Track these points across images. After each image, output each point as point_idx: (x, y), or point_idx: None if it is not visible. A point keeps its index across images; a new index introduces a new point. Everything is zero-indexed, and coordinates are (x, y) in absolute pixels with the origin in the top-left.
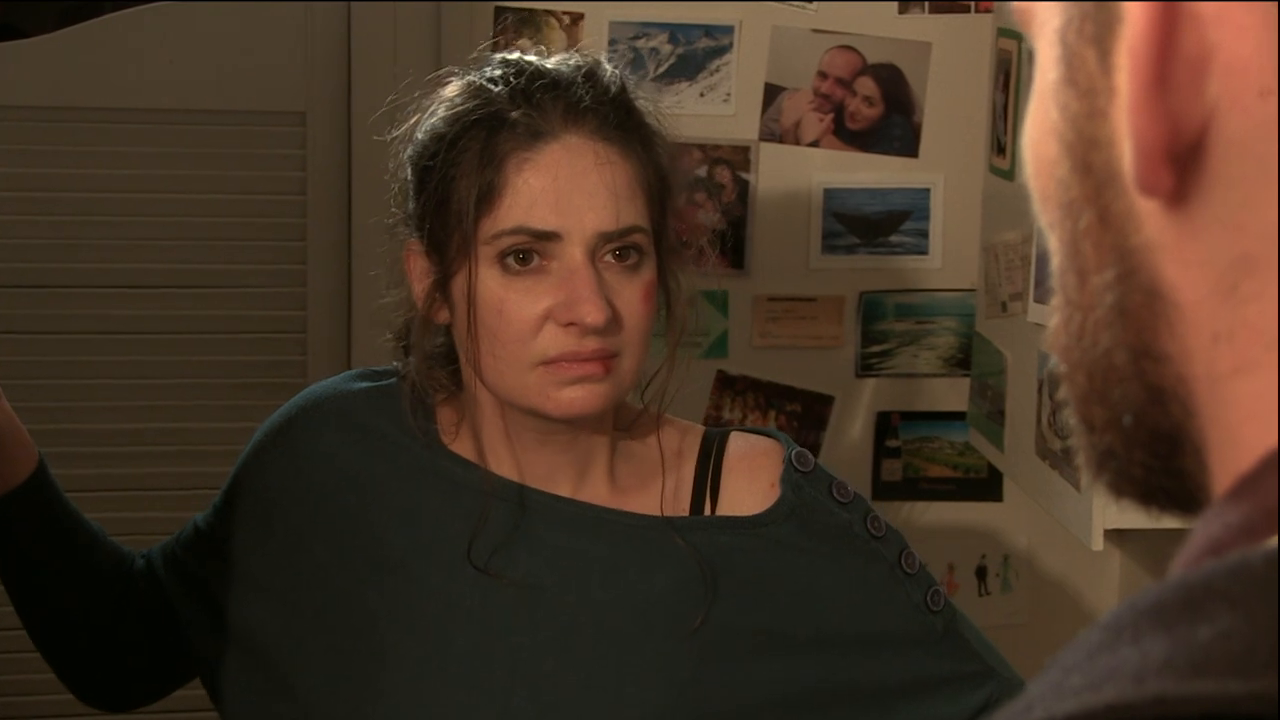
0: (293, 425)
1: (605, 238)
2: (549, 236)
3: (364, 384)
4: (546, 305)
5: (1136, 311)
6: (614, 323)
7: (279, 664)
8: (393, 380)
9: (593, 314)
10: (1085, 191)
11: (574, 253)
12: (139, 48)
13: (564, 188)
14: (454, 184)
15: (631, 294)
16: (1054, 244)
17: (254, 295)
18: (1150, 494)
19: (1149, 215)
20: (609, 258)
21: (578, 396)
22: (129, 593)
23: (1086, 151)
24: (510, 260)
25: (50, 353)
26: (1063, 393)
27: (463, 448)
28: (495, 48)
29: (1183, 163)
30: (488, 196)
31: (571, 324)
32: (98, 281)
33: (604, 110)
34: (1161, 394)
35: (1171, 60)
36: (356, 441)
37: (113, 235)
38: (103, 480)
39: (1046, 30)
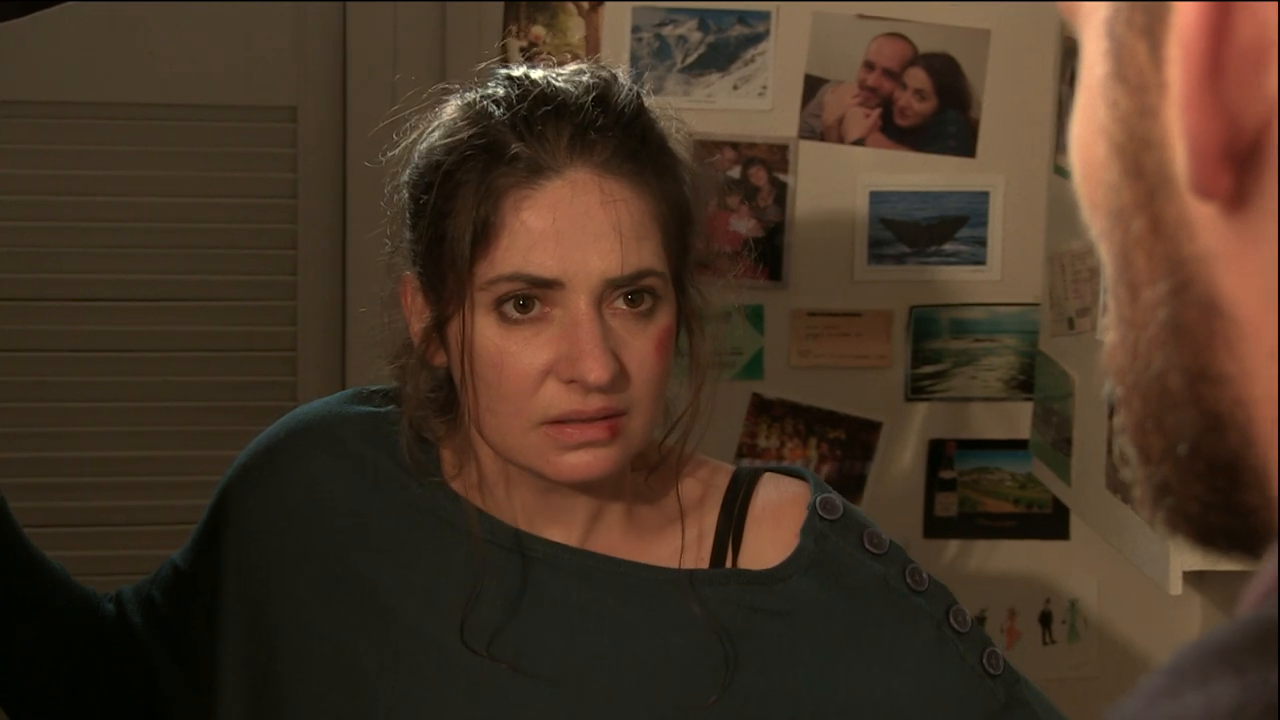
0: (279, 450)
1: (613, 284)
2: (550, 284)
3: (360, 408)
4: (548, 358)
5: (1192, 328)
6: (621, 378)
7: (268, 709)
8: (392, 407)
9: (596, 371)
10: (1136, 197)
11: (578, 302)
12: (113, 38)
13: (566, 229)
14: (449, 221)
15: (643, 345)
16: (1104, 255)
17: (239, 309)
18: (1209, 534)
19: (1205, 222)
20: (619, 303)
21: (581, 462)
22: (97, 641)
23: (1138, 153)
24: (509, 307)
25: (11, 372)
26: (1119, 419)
27: (464, 487)
28: (505, 36)
29: (1241, 163)
30: (484, 237)
31: (574, 380)
32: (66, 293)
33: (615, 137)
34: (1218, 420)
35: (1226, 52)
36: (347, 472)
37: (84, 242)
38: (70, 513)
39: (1094, 21)
